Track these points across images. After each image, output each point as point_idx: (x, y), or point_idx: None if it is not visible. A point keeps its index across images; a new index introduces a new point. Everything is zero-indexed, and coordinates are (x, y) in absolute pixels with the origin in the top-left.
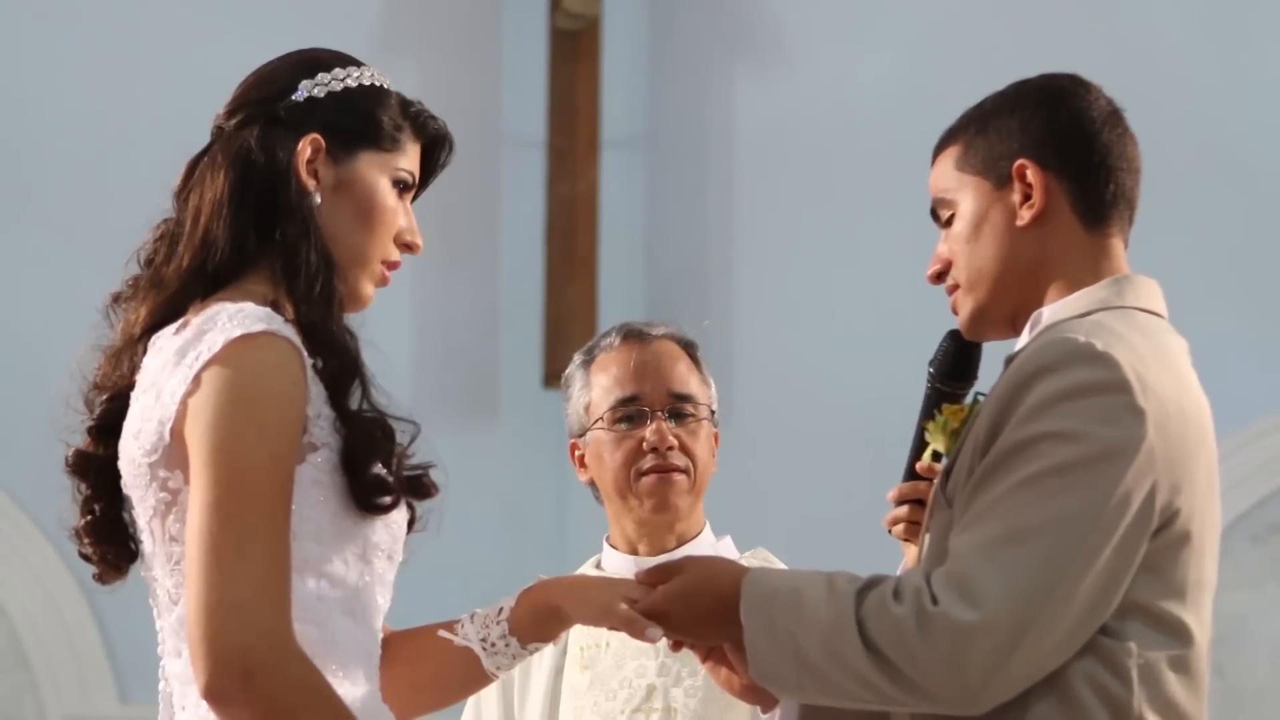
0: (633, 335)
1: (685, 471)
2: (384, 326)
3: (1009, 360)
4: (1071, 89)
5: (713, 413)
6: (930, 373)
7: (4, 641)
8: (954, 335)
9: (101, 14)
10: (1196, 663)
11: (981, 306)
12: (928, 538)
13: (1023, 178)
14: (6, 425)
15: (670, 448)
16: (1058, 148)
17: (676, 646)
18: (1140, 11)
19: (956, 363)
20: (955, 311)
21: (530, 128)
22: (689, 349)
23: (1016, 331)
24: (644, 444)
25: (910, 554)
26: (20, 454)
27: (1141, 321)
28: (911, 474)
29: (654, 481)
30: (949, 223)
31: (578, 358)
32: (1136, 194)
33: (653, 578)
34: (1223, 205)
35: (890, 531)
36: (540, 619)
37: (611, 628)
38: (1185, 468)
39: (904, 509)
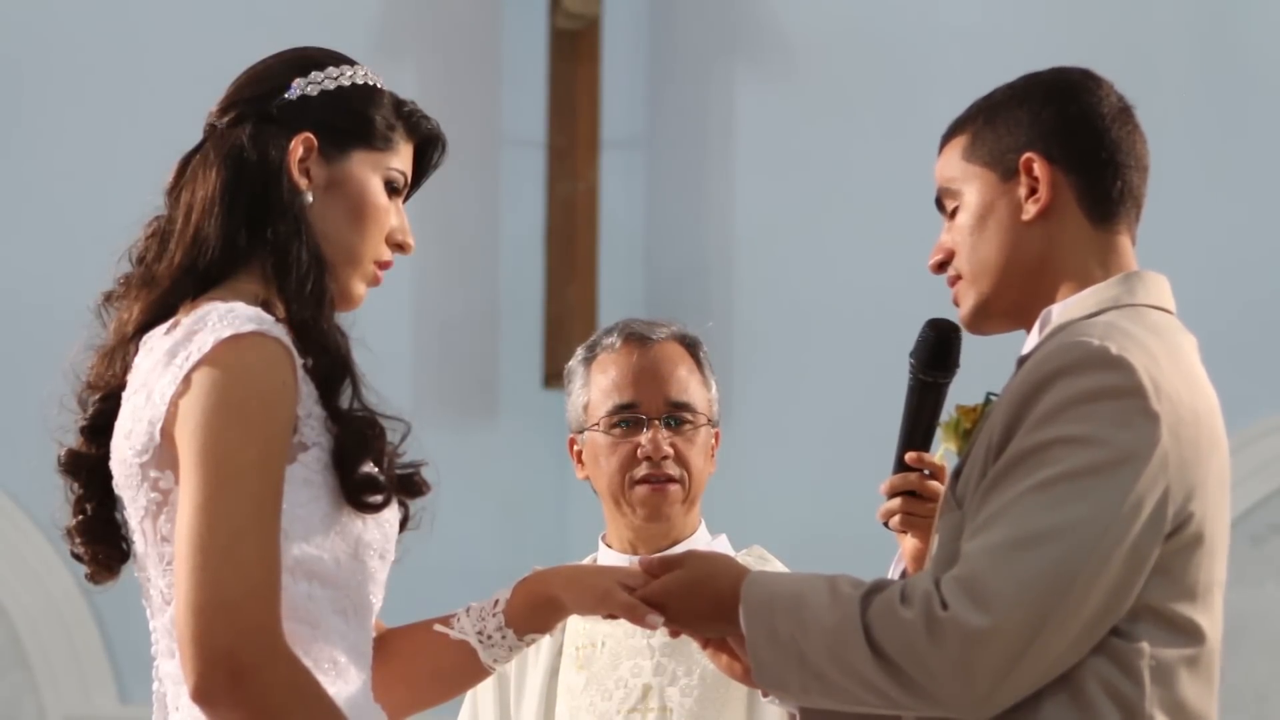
0: (634, 338)
1: (679, 481)
2: (384, 326)
3: (1021, 361)
4: (1082, 83)
5: (710, 418)
6: (911, 363)
7: (4, 641)
8: (932, 325)
9: (101, 13)
10: (1208, 662)
11: (984, 300)
12: (935, 539)
13: (1030, 171)
14: (6, 424)
15: (665, 457)
16: (1066, 142)
17: (675, 633)
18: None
19: (936, 352)
20: (956, 303)
21: (530, 128)
22: (692, 349)
23: (1019, 325)
24: (639, 452)
25: (906, 545)
26: (20, 453)
27: (1153, 320)
28: (901, 465)
29: (647, 492)
30: (953, 213)
31: (580, 352)
32: (1143, 191)
33: (653, 568)
34: (1224, 203)
35: (887, 525)
36: (536, 609)
37: (609, 614)
38: (1198, 471)
39: (896, 501)
